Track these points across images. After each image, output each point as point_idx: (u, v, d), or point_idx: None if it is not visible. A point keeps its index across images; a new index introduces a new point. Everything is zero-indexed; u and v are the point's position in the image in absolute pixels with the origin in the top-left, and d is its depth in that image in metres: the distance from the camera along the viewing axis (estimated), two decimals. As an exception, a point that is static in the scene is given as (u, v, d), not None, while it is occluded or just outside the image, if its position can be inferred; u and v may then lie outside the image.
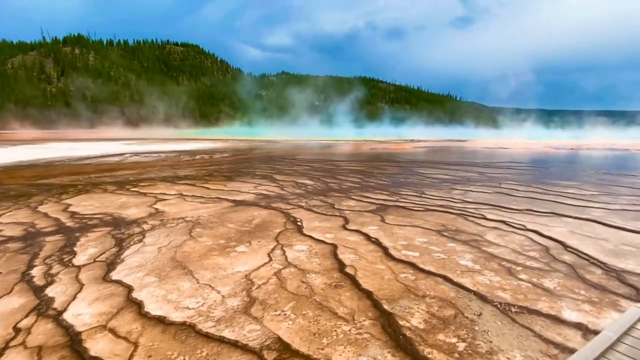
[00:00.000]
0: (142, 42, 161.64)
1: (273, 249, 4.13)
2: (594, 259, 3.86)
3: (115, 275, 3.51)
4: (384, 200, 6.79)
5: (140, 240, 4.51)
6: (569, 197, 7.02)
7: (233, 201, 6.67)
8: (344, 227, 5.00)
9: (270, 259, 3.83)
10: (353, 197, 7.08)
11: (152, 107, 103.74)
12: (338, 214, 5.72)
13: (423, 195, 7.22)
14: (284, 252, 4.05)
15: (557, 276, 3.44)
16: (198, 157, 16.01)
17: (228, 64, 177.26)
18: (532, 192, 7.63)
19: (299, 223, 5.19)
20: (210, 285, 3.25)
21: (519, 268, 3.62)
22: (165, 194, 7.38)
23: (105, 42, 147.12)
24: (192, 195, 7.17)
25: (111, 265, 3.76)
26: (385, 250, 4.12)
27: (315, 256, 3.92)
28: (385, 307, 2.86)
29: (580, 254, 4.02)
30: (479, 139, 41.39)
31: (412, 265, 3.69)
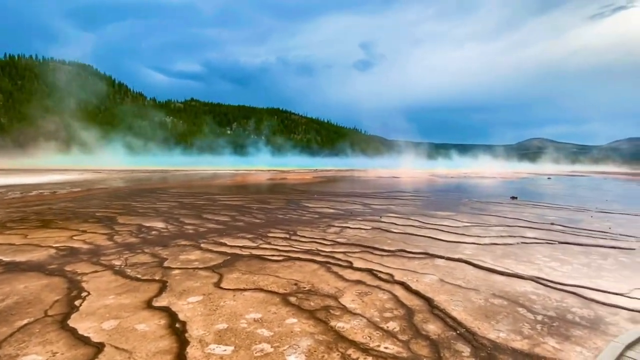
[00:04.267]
0: (16, 57, 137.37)
1: (-40, 376, 2.24)
2: (462, 326, 2.95)
3: None
4: (242, 247, 5.37)
5: None
6: (444, 231, 6.60)
7: (6, 264, 4.43)
8: (148, 303, 3.34)
9: None
10: (203, 245, 5.49)
11: (23, 131, 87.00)
12: (159, 277, 4.04)
13: (293, 237, 6.02)
14: (-22, 380, 2.20)
15: (415, 371, 2.35)
16: (34, 192, 12.45)
17: (127, 87, 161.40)
18: (410, 225, 7.10)
19: (77, 302, 3.35)
20: None
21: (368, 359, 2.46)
22: None
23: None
24: (-57, 258, 4.65)
25: None
26: (181, 347, 2.59)
27: (35, 383, 2.17)
28: None
29: (447, 318, 3.10)
30: (376, 168, 43.81)
31: (206, 380, 2.23)
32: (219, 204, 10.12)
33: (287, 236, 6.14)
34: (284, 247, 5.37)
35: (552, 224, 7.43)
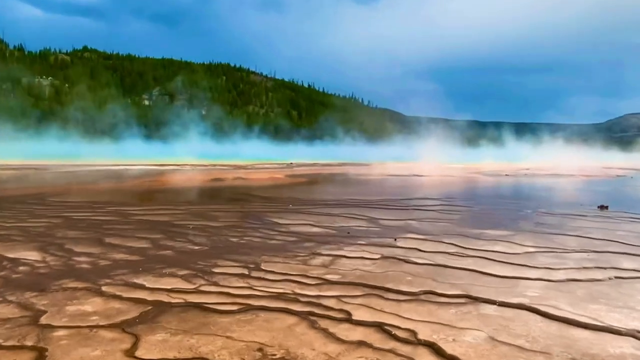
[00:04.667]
0: None
1: None
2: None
3: None
4: (170, 291, 5.39)
5: None
6: (495, 261, 6.80)
7: None
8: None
9: None
10: (106, 288, 5.50)
11: None
12: (33, 342, 4.01)
13: (254, 274, 6.11)
14: None
15: None
16: None
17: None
18: (442, 252, 7.30)
19: None
20: None
21: None
22: None
23: None
24: None
25: None
26: None
27: None
28: None
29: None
30: (386, 161, 44.39)
31: None
32: (132, 221, 10.17)
33: (246, 272, 6.20)
34: (240, 290, 5.41)
35: (662, 247, 7.72)
